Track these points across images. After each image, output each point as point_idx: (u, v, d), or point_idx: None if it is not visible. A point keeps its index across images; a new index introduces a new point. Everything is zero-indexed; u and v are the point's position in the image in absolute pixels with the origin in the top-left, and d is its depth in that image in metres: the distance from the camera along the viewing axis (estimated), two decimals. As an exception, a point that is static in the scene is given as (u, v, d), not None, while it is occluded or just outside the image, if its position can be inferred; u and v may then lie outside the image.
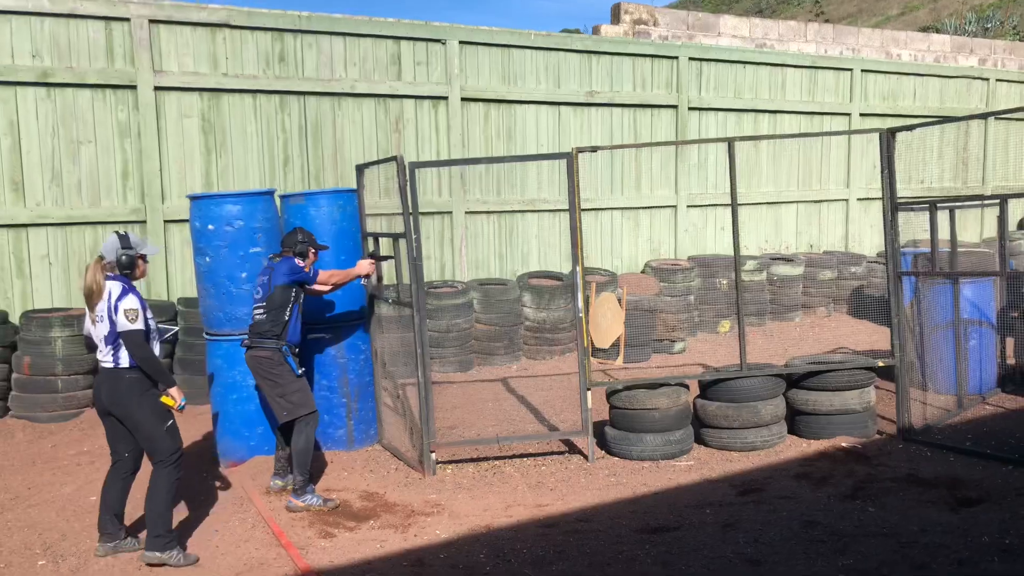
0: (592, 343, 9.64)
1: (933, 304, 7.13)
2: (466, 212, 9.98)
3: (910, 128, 6.15)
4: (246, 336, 5.39)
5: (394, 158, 5.80)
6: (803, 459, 5.84)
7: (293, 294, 5.29)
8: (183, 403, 4.52)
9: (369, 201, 6.64)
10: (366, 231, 6.42)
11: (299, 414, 5.22)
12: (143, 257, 4.62)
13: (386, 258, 6.29)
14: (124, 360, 4.40)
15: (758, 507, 4.95)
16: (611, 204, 11.04)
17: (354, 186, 6.72)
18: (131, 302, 4.37)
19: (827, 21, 26.17)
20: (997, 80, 14.17)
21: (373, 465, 6.05)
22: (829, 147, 12.63)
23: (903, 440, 6.11)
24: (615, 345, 9.59)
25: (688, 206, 11.54)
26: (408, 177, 5.74)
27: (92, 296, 4.40)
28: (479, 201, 10.07)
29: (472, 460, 6.12)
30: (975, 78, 13.98)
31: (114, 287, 4.40)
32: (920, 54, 13.80)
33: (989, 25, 30.72)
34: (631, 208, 11.21)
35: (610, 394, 6.23)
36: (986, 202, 10.80)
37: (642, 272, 11.27)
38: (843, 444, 6.07)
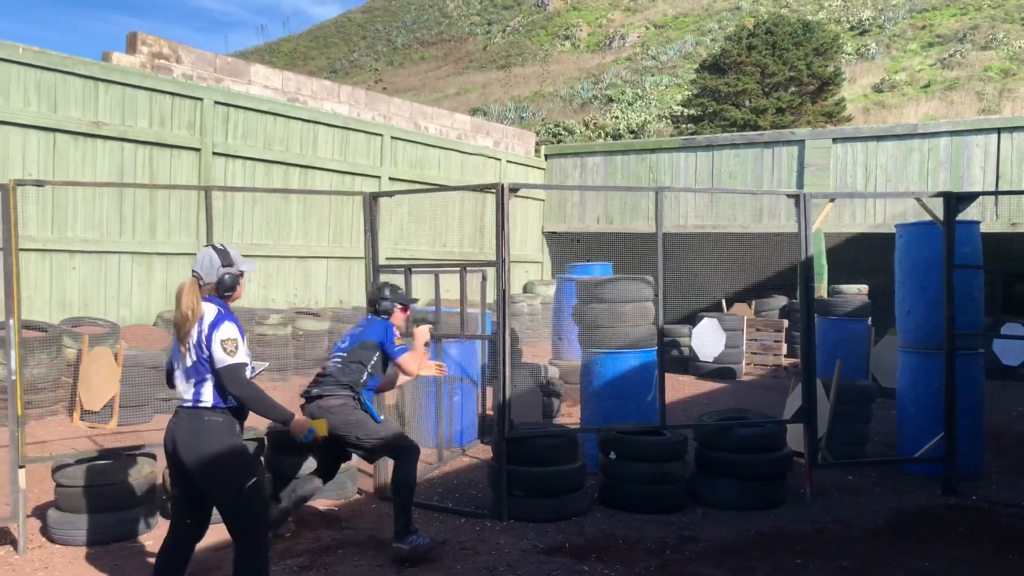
0: (81, 404, 8.51)
1: (420, 362, 7.47)
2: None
3: (390, 194, 6.42)
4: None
5: None
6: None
7: (376, 357, 5.20)
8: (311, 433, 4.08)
9: None
10: None
11: (400, 444, 5.03)
12: (242, 274, 3.92)
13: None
14: (207, 397, 3.69)
15: (204, 590, 4.50)
16: (119, 248, 9.96)
17: None
18: (229, 330, 3.68)
19: (384, 90, 27.68)
20: (508, 161, 16.09)
21: None
22: (359, 207, 13.03)
23: (379, 499, 6.18)
24: (108, 406, 8.52)
25: (211, 255, 10.92)
26: None
27: (188, 323, 3.67)
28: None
29: None
30: (490, 157, 15.70)
31: (208, 311, 3.71)
32: (445, 129, 15.08)
33: (524, 115, 35.49)
34: (144, 253, 10.24)
35: (55, 471, 5.34)
36: (456, 268, 11.91)
37: (153, 324, 10.32)
38: (320, 507, 5.95)
